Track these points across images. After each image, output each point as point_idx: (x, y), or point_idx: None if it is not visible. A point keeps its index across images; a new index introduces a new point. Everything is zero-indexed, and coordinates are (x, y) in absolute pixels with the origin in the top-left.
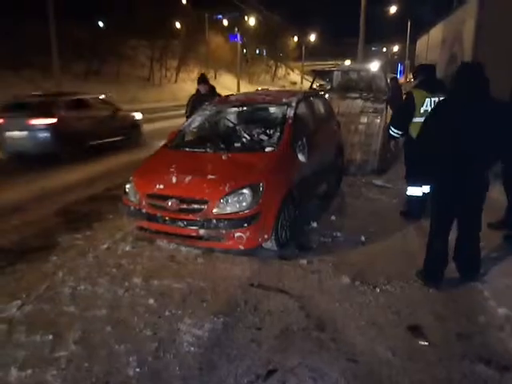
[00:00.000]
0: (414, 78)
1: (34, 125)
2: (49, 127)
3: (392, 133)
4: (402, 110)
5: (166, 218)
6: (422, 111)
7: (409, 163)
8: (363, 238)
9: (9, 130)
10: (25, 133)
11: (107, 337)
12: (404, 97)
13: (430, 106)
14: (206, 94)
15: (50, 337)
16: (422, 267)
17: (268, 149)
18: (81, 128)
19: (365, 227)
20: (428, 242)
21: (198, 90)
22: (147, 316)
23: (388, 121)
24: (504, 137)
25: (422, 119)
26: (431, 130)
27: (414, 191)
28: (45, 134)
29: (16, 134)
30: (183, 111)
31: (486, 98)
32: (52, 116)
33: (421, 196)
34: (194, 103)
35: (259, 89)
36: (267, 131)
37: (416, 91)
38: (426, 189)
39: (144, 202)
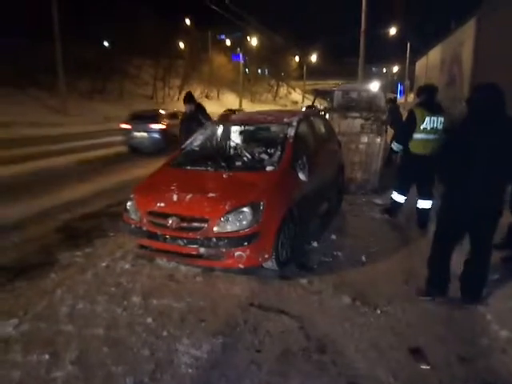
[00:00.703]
0: (418, 96)
1: (152, 128)
2: (160, 130)
3: (395, 147)
4: (406, 126)
5: (167, 236)
6: (421, 128)
7: (401, 174)
8: (364, 258)
9: (135, 131)
10: (145, 134)
11: (104, 357)
12: (406, 114)
13: (430, 123)
14: (192, 114)
15: (47, 356)
16: (423, 284)
17: (269, 168)
18: (176, 132)
19: (365, 247)
20: (430, 257)
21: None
22: (145, 336)
23: (389, 139)
24: None
25: (421, 135)
26: (449, 149)
27: (398, 198)
28: (157, 135)
29: (139, 134)
30: None
31: (504, 119)
32: (162, 123)
33: (401, 203)
34: (183, 125)
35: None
36: (268, 150)
37: (417, 109)
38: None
39: (145, 220)
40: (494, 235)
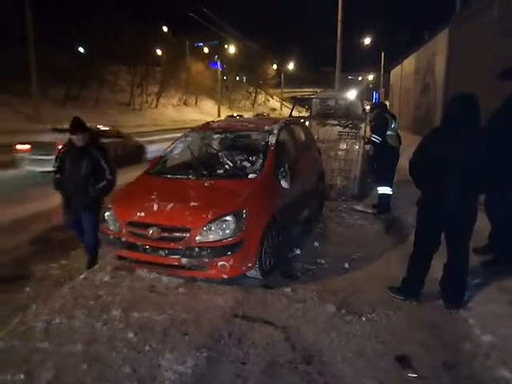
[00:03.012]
0: (372, 109)
1: None
2: None
3: (374, 139)
4: (383, 124)
5: (147, 247)
6: (392, 127)
7: (380, 168)
8: (347, 265)
9: None
10: None
11: (83, 375)
12: (379, 118)
13: (393, 124)
14: (84, 149)
15: (22, 376)
16: (399, 283)
17: (251, 175)
18: None
19: (348, 253)
20: (410, 258)
21: (70, 141)
22: (126, 351)
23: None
24: (485, 166)
25: (390, 132)
26: (423, 155)
27: (384, 190)
28: None
29: None
30: (166, 136)
31: (477, 128)
32: None
33: (390, 194)
34: (64, 161)
35: (235, 115)
36: (250, 158)
37: (385, 115)
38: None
39: (124, 231)
40: (469, 239)
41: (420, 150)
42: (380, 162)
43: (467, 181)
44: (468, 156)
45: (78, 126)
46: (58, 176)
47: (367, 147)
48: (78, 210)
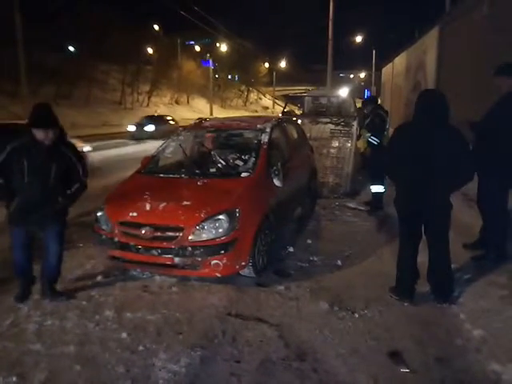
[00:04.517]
0: (364, 105)
1: None
2: None
3: (373, 141)
4: (382, 124)
5: (140, 247)
6: (387, 127)
7: (373, 167)
8: (339, 262)
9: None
10: None
11: (76, 376)
12: (376, 118)
13: (389, 123)
14: (52, 147)
15: (14, 378)
16: (394, 284)
17: (244, 174)
18: None
19: (341, 250)
20: (398, 257)
21: (27, 135)
22: (119, 351)
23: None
24: (464, 160)
25: (386, 132)
26: (394, 151)
27: (378, 189)
28: None
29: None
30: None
31: (446, 125)
32: None
33: (383, 192)
34: (13, 162)
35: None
36: (243, 156)
37: (382, 113)
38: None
39: (116, 230)
40: (447, 231)
41: (391, 145)
42: (374, 162)
43: (438, 174)
44: (435, 149)
45: (51, 117)
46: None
47: (358, 144)
48: (37, 225)
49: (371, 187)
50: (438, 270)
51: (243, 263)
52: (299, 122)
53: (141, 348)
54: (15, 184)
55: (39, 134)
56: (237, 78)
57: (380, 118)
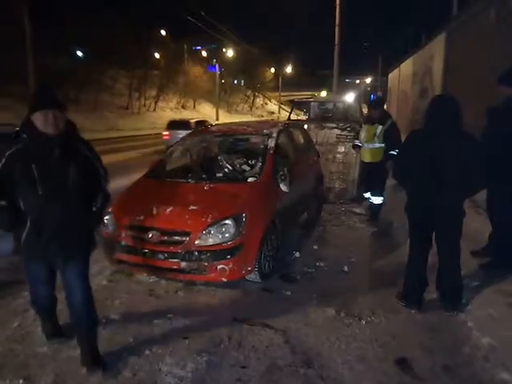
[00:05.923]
0: (372, 108)
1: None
2: None
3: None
4: (400, 138)
5: (146, 251)
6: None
7: (377, 179)
8: (346, 268)
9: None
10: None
11: (82, 380)
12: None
13: None
14: (66, 144)
15: (21, 381)
16: (401, 290)
17: (250, 179)
18: None
19: (347, 256)
20: (407, 263)
21: (33, 129)
22: (125, 355)
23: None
24: (477, 168)
25: None
26: (406, 157)
27: (377, 200)
28: None
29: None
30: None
31: (459, 131)
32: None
33: (381, 203)
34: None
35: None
36: (249, 161)
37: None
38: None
39: (123, 234)
40: (458, 239)
41: (403, 152)
42: (381, 174)
43: (450, 180)
44: (447, 156)
45: (50, 96)
46: (2, 203)
47: (353, 151)
48: (59, 255)
49: (372, 198)
50: (447, 278)
51: (249, 268)
52: (305, 127)
53: (147, 352)
54: (25, 202)
55: (39, 121)
56: (243, 83)
57: (398, 132)
